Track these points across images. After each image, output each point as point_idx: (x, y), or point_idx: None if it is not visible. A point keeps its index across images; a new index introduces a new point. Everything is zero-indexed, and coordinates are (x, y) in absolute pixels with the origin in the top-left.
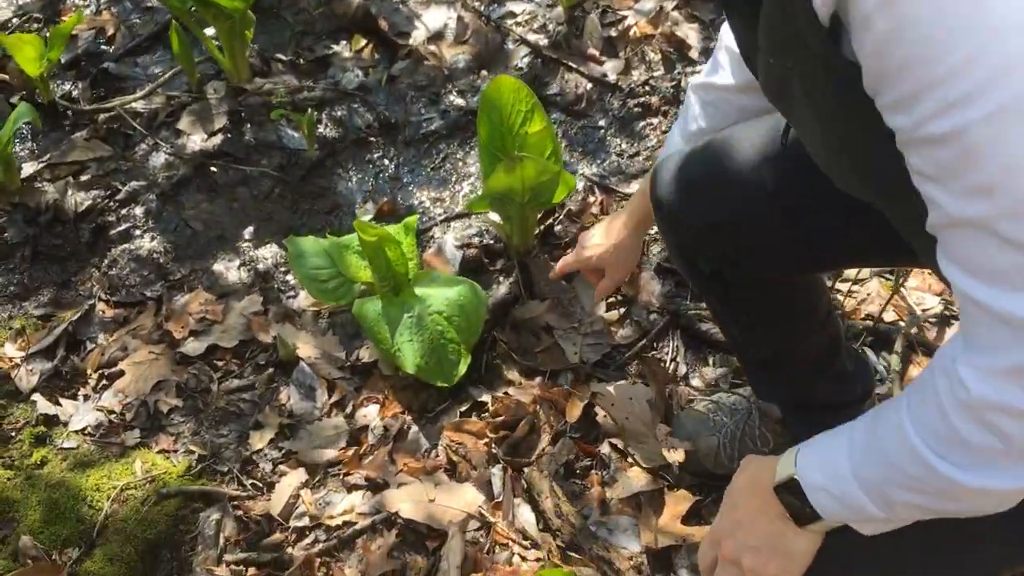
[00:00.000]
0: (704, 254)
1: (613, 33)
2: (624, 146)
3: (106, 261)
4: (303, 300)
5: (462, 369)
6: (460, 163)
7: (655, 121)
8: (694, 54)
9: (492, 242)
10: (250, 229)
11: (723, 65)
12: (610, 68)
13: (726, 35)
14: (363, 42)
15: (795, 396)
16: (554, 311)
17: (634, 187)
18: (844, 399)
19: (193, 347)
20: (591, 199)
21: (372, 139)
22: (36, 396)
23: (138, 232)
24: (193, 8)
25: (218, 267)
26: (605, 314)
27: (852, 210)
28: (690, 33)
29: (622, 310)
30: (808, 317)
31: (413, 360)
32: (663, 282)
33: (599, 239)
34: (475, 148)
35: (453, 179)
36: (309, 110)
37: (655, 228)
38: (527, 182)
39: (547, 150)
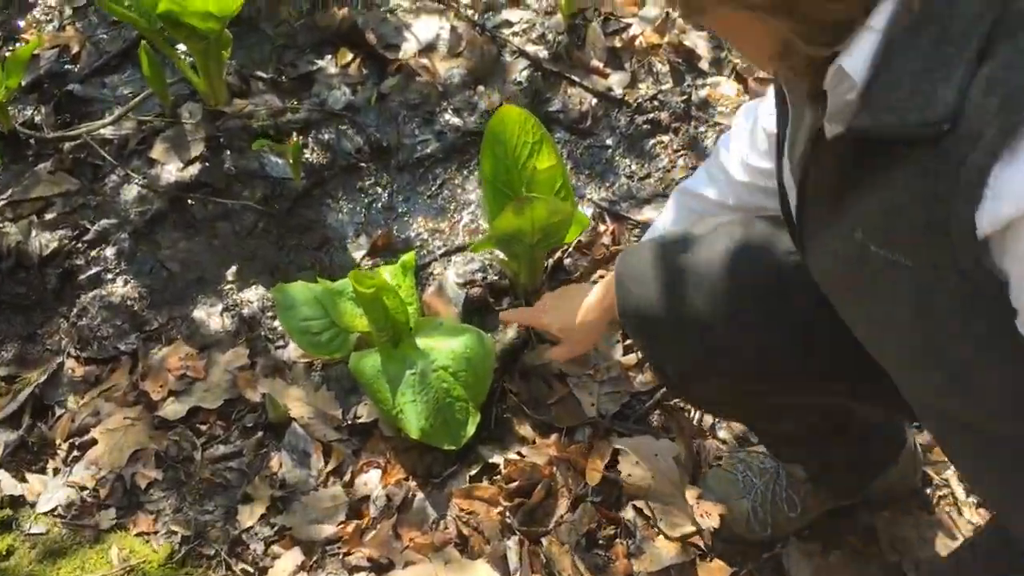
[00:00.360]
0: (675, 364)
1: (617, 43)
2: (634, 167)
3: (75, 310)
4: (293, 351)
5: (470, 429)
6: (459, 189)
7: (665, 139)
8: (704, 65)
9: (497, 278)
10: (233, 269)
11: (718, 181)
12: (615, 81)
13: (730, 155)
14: (349, 56)
15: (819, 459)
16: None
17: (647, 213)
18: (874, 458)
19: (173, 410)
20: (601, 228)
21: (363, 164)
22: (0, 473)
23: (110, 276)
24: (163, 28)
25: (199, 314)
26: (622, 358)
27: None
28: (699, 42)
29: (639, 354)
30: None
31: (417, 423)
32: None
33: (565, 311)
34: (474, 172)
35: (452, 207)
36: (294, 136)
37: None
38: (537, 223)
39: (557, 185)
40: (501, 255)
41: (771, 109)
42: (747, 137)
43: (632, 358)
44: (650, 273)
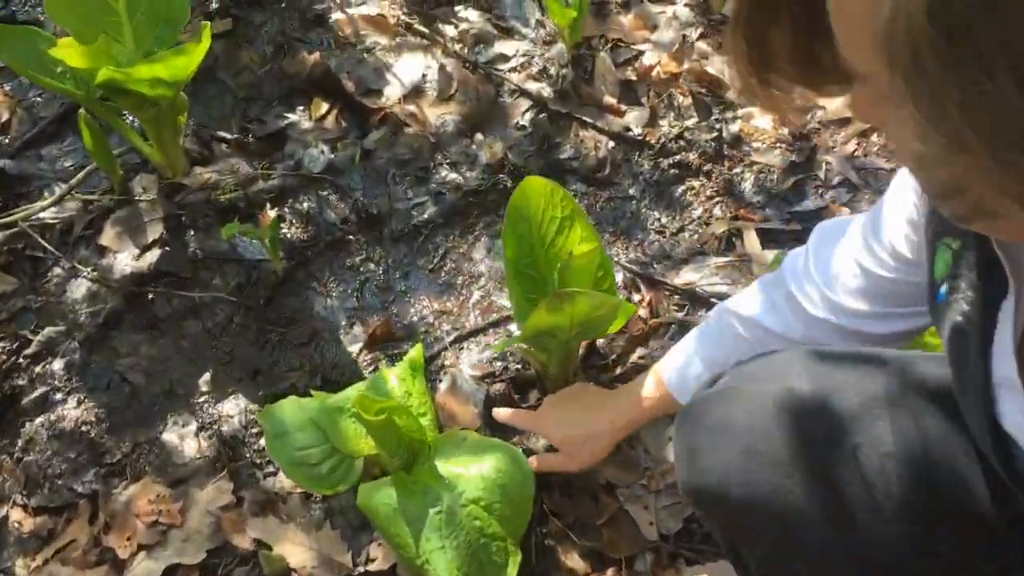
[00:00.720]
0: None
1: (630, 74)
2: (664, 220)
3: (20, 443)
4: (287, 479)
5: (512, 572)
6: (465, 260)
7: (696, 184)
8: (731, 95)
9: (520, 368)
10: (206, 376)
11: (781, 311)
12: (633, 120)
13: (808, 289)
14: (325, 107)
15: None
16: (611, 461)
17: (686, 276)
18: None
19: (146, 569)
20: (635, 297)
21: (351, 237)
22: None
23: (59, 396)
24: (104, 98)
25: (169, 437)
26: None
27: None
28: (724, 68)
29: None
30: None
31: (449, 574)
32: None
33: (569, 421)
34: (481, 238)
35: (459, 282)
36: (267, 209)
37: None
38: (577, 319)
39: (596, 270)
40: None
41: (900, 232)
42: (850, 268)
43: None
44: (731, 441)
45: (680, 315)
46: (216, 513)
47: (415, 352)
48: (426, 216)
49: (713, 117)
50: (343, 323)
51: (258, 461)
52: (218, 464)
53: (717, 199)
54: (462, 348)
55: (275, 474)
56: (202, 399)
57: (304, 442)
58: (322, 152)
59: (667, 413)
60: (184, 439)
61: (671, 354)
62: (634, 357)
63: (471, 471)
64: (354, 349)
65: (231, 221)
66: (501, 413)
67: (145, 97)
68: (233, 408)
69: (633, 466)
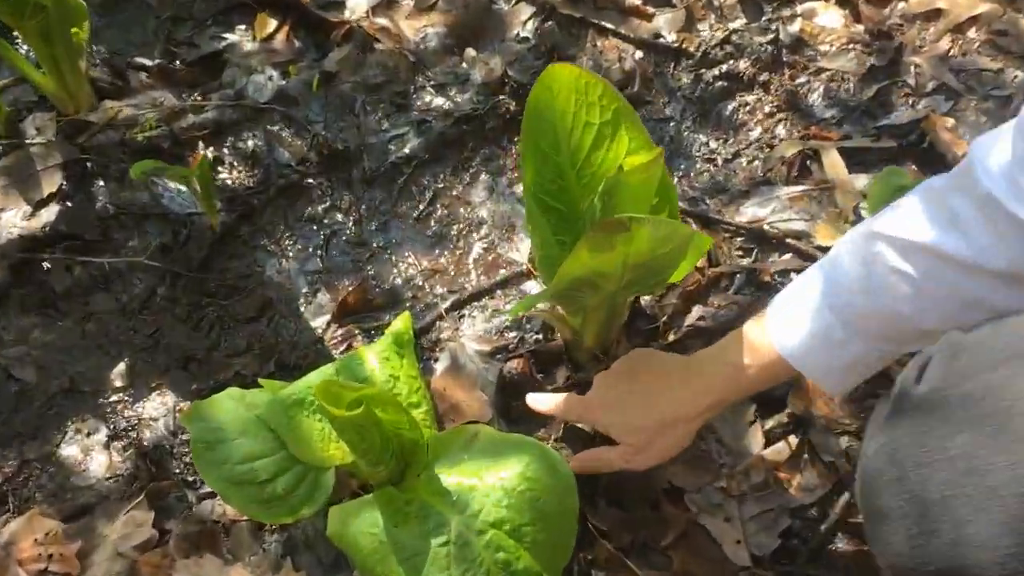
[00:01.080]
0: None
1: None
2: (714, 144)
3: None
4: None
5: None
6: (459, 203)
7: (751, 99)
8: None
9: (541, 338)
10: (120, 368)
11: (970, 225)
12: (664, 24)
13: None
14: (273, 24)
15: None
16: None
17: (746, 211)
18: None
19: None
20: None
21: (310, 181)
22: None
23: None
24: None
25: (69, 450)
26: (764, 451)
27: None
28: None
29: (793, 438)
30: None
31: None
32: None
33: (631, 405)
34: (482, 174)
35: (454, 232)
36: (200, 149)
37: None
38: (632, 260)
39: (652, 187)
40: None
41: None
42: None
43: (783, 449)
44: (998, 515)
45: (746, 261)
46: (130, 555)
47: (401, 322)
48: (407, 151)
49: (765, 17)
50: (304, 290)
51: (191, 479)
52: (135, 485)
53: (779, 116)
54: (462, 316)
55: (214, 496)
56: (115, 398)
57: (249, 451)
58: (270, 78)
59: (774, 385)
60: (89, 453)
61: (782, 305)
62: (691, 318)
63: (488, 481)
64: (319, 323)
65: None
66: (539, 401)
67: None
68: (157, 408)
69: (705, 462)
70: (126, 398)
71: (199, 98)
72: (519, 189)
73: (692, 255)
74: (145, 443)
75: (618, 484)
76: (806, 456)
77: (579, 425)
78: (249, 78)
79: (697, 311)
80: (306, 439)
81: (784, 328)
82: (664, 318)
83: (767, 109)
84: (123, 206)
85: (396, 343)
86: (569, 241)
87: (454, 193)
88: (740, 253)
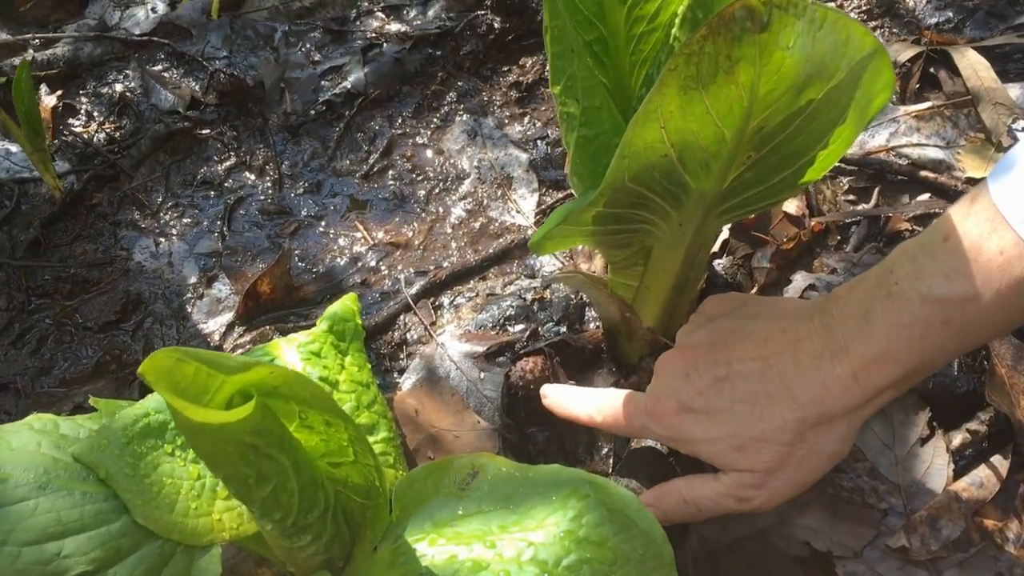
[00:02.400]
0: None
1: None
2: None
3: None
4: None
5: None
6: (428, 151)
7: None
8: None
9: (563, 330)
10: None
11: None
12: None
13: None
14: None
15: None
16: (811, 499)
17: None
18: None
19: None
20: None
21: (207, 131)
22: None
23: None
24: None
25: None
26: (956, 485)
27: None
28: None
29: (999, 460)
30: None
31: None
32: None
33: (747, 405)
34: (454, 116)
35: (422, 191)
36: (42, 93)
37: None
38: (761, 112)
39: None
40: (581, 266)
41: None
42: None
43: (985, 479)
44: None
45: (864, 206)
46: None
47: (341, 304)
48: (348, 85)
49: None
50: (192, 280)
51: None
52: None
53: (871, 25)
54: (439, 307)
55: None
56: None
57: (53, 520)
58: (152, 9)
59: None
60: None
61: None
62: (793, 289)
63: (508, 551)
64: (215, 326)
65: None
66: (563, 398)
67: None
68: None
69: (858, 508)
70: None
71: (40, 31)
72: (513, 130)
73: (856, 116)
74: None
75: (723, 543)
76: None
77: (641, 442)
78: (125, 12)
79: (801, 279)
80: (166, 494)
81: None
82: (754, 289)
83: (852, 16)
84: None
85: (334, 332)
86: (610, 108)
87: (419, 140)
88: (852, 198)
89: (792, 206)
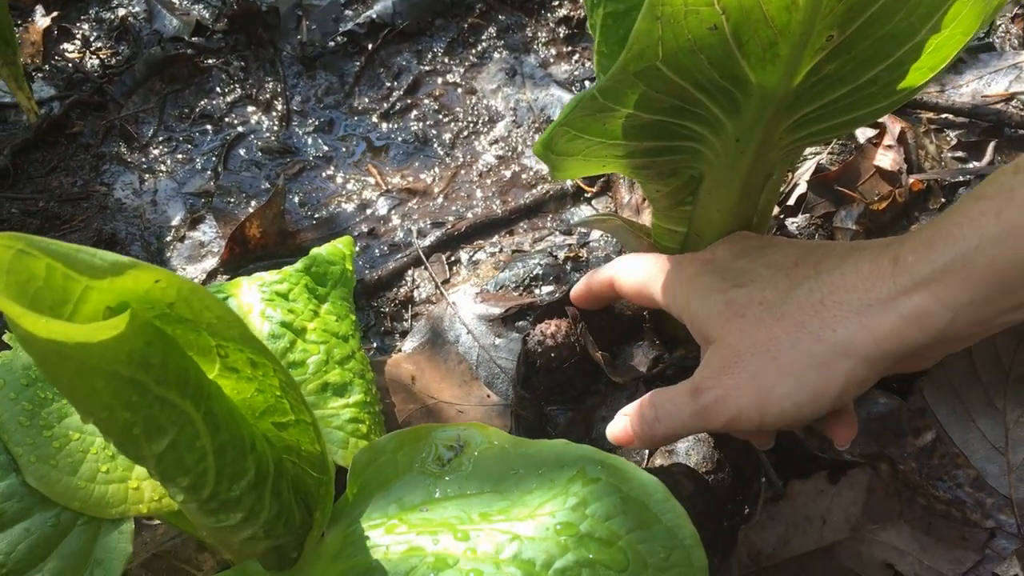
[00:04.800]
0: None
1: None
2: None
3: None
4: None
5: None
6: (459, 90)
7: None
8: None
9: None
10: None
11: None
12: None
13: None
14: None
15: None
16: (895, 510)
17: (960, 89)
18: None
19: None
20: (868, 134)
21: (212, 60)
22: None
23: None
24: None
25: None
26: None
27: None
28: None
29: None
30: None
31: None
32: None
33: (769, 360)
34: (491, 53)
35: (448, 134)
36: (36, 21)
37: None
38: None
39: None
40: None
41: None
42: None
43: None
44: None
45: (976, 164)
46: None
47: (332, 246)
48: (374, 15)
49: None
50: (175, 221)
51: None
52: None
53: None
54: (455, 262)
55: None
56: None
57: None
58: None
59: None
60: None
61: None
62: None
63: (484, 546)
64: (197, 271)
65: None
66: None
67: None
68: None
69: (955, 526)
70: None
71: None
72: (559, 69)
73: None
74: None
75: (779, 558)
76: None
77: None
78: None
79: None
80: (69, 452)
81: None
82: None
83: None
84: None
85: (312, 274)
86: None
87: (449, 78)
88: (961, 154)
89: (887, 159)
